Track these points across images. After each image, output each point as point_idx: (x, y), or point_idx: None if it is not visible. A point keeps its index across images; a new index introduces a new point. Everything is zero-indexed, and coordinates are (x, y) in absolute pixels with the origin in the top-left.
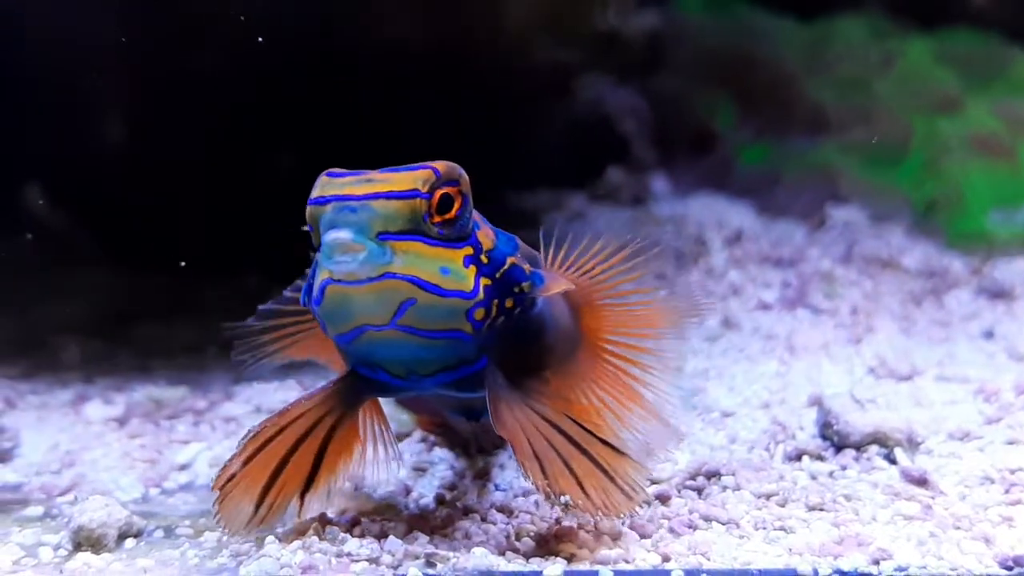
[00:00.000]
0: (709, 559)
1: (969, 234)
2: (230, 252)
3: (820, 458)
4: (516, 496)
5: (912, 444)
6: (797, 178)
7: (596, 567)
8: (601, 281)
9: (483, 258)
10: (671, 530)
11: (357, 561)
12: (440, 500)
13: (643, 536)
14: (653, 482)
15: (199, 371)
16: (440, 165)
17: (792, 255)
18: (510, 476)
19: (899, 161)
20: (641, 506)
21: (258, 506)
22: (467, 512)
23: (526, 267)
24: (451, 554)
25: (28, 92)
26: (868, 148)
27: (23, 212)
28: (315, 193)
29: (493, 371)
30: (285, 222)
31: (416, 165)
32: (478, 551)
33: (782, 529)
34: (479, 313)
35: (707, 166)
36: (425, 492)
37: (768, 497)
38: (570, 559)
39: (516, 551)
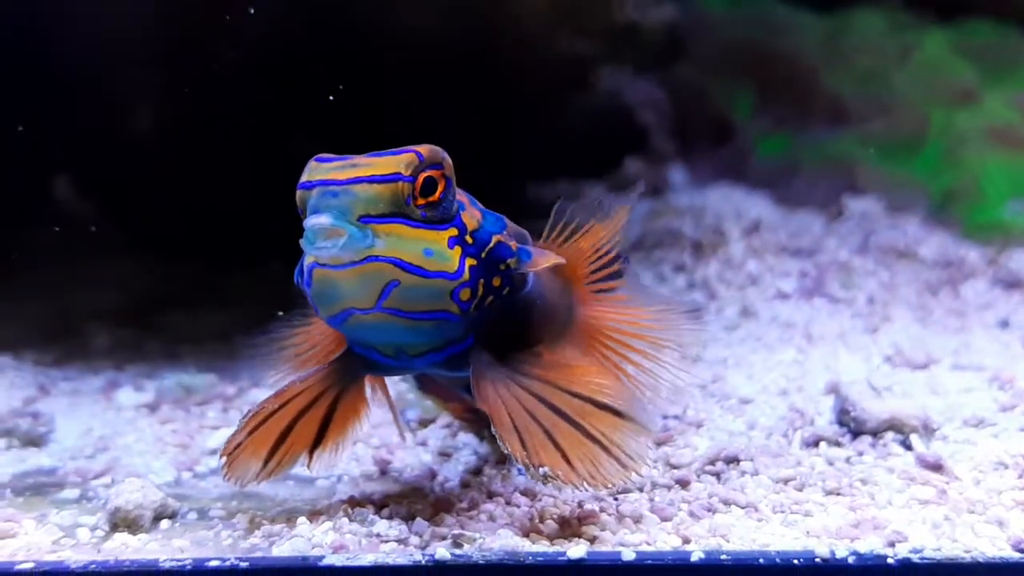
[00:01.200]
0: (729, 541)
1: (985, 225)
2: (255, 240)
3: (837, 444)
4: (538, 480)
5: (927, 431)
6: (814, 169)
7: (619, 548)
8: (589, 255)
9: (468, 239)
10: (691, 513)
11: (386, 541)
12: (465, 484)
13: (664, 519)
14: (673, 467)
15: (227, 358)
16: (423, 149)
17: (810, 245)
18: None
19: (916, 152)
20: (638, 475)
21: (266, 463)
22: (491, 495)
23: (512, 244)
24: (477, 535)
25: (58, 85)
26: (885, 139)
27: (53, 203)
28: (303, 178)
29: (478, 350)
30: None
31: (400, 149)
32: (503, 533)
33: (800, 513)
34: (465, 293)
35: (725, 157)
36: (450, 476)
37: (786, 482)
38: (592, 541)
39: (540, 533)
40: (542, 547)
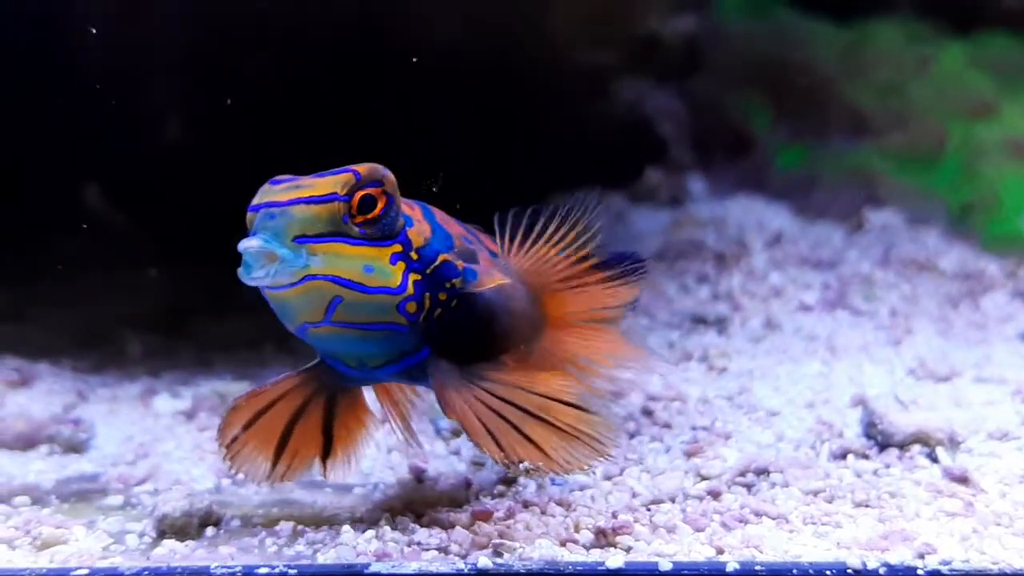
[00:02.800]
0: (762, 552)
1: (1004, 237)
2: None
3: (865, 456)
4: (572, 490)
5: (953, 444)
6: (833, 181)
7: (655, 558)
8: (556, 263)
9: (413, 255)
10: (723, 524)
11: (427, 550)
12: (500, 494)
13: (697, 530)
14: (704, 477)
15: (259, 366)
16: (362, 168)
17: (831, 257)
18: None
19: (935, 165)
20: (610, 455)
21: (275, 463)
22: (526, 505)
23: (459, 264)
24: (517, 544)
25: (88, 95)
26: (904, 151)
27: (84, 211)
28: (254, 200)
29: (436, 359)
30: None
31: (340, 169)
32: (541, 542)
33: (830, 524)
34: (411, 307)
35: (744, 168)
36: (485, 486)
37: (816, 494)
38: (627, 551)
39: (576, 543)
40: (579, 557)
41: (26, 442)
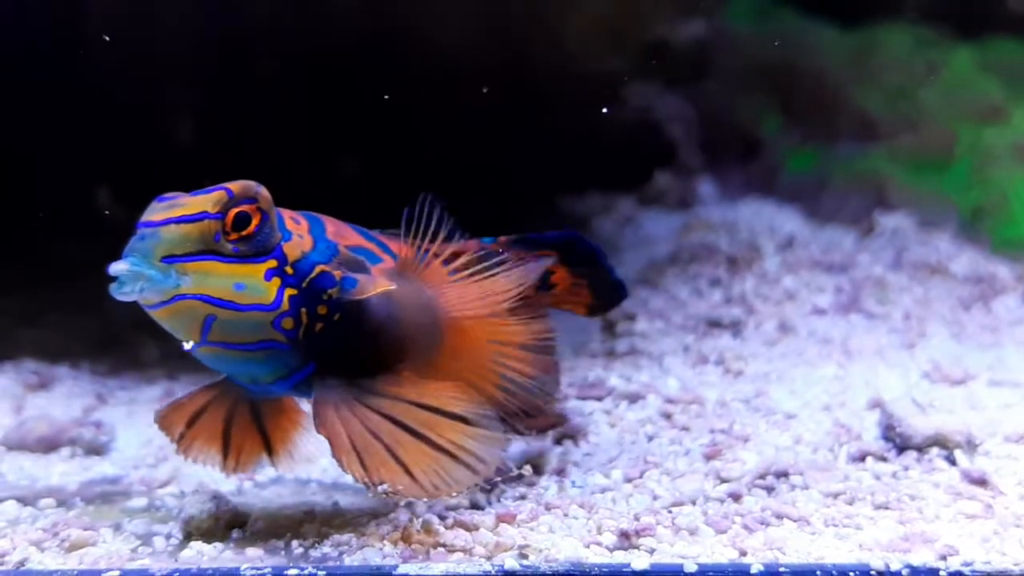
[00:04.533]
0: (785, 553)
1: (1014, 240)
2: None
3: (883, 459)
4: (593, 493)
5: (971, 446)
6: (843, 184)
7: (681, 560)
8: (454, 268)
9: (288, 269)
10: (745, 526)
11: (453, 551)
12: (522, 496)
13: (719, 532)
14: (723, 480)
15: None
16: (235, 185)
17: (843, 261)
18: (585, 473)
19: (945, 169)
20: (488, 479)
21: (225, 457)
22: (548, 507)
23: (337, 273)
24: (542, 546)
25: (102, 98)
26: (913, 155)
27: (97, 213)
28: (141, 218)
29: (320, 374)
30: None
31: (213, 187)
32: (565, 544)
33: (851, 526)
34: (287, 323)
35: (753, 172)
36: (506, 488)
37: (836, 496)
38: (651, 553)
39: (599, 545)
40: (604, 558)
41: (48, 445)
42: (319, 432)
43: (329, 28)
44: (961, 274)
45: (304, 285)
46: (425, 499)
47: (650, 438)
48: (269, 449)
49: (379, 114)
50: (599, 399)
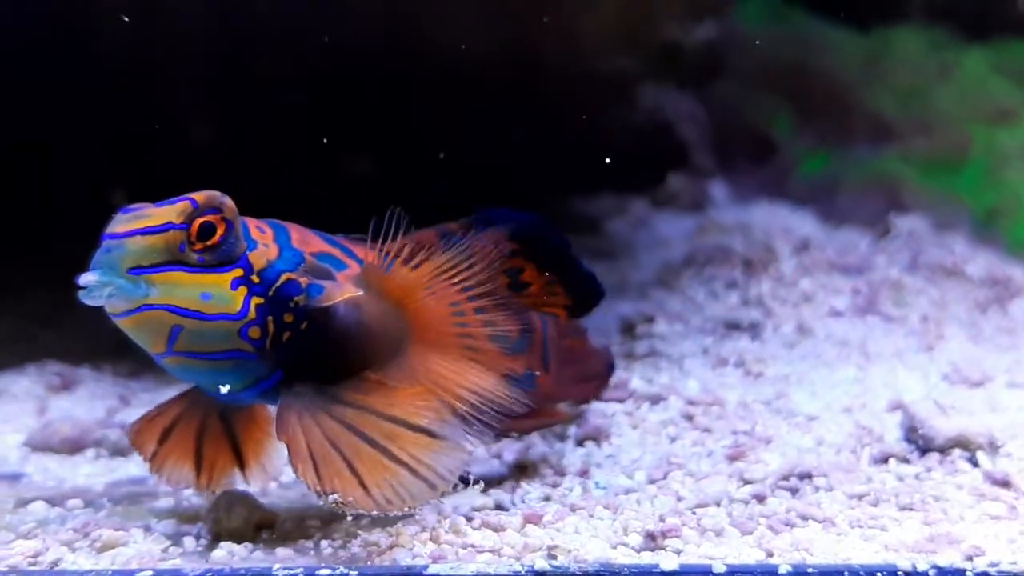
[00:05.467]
0: (812, 554)
1: None
2: None
3: (906, 461)
4: (617, 494)
5: (993, 448)
6: (857, 186)
7: (710, 561)
8: (423, 272)
9: (254, 278)
10: (770, 528)
11: (481, 552)
12: (546, 497)
13: (745, 533)
14: (747, 482)
15: None
16: (199, 196)
17: (858, 263)
18: (609, 475)
19: (958, 170)
20: (445, 494)
21: (198, 475)
22: (574, 509)
23: (303, 281)
24: (570, 547)
25: (118, 99)
26: (927, 157)
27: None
28: (105, 230)
29: (287, 382)
30: (359, 224)
31: (177, 198)
32: (593, 544)
33: (876, 528)
34: (254, 332)
35: (766, 173)
36: (530, 489)
37: (860, 497)
38: (677, 554)
39: (626, 545)
40: (632, 559)
41: (73, 446)
42: (279, 438)
43: (342, 28)
44: (977, 276)
45: (270, 294)
46: (376, 512)
47: (672, 440)
48: (241, 463)
49: (390, 115)
50: (621, 401)
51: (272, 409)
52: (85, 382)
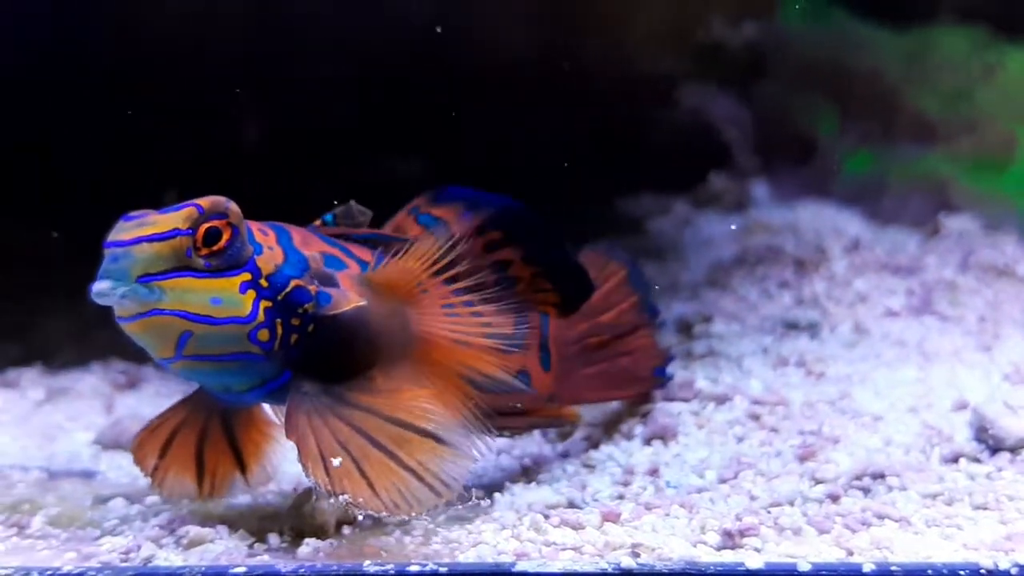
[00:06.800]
0: (892, 553)
1: None
2: None
3: (976, 460)
4: (690, 493)
5: None
6: (903, 186)
7: (793, 560)
8: (427, 276)
9: (262, 282)
10: (847, 527)
11: (563, 550)
12: (619, 496)
13: (822, 532)
14: (819, 481)
15: None
16: (205, 201)
17: (909, 263)
18: (679, 474)
19: (1004, 170)
20: (452, 502)
21: (200, 484)
22: (649, 507)
23: (312, 288)
24: (653, 545)
25: (164, 99)
26: (973, 157)
27: None
28: (108, 237)
29: (296, 382)
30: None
31: (182, 204)
32: (675, 543)
33: (953, 527)
34: (263, 334)
35: (809, 173)
36: (600, 488)
37: (934, 497)
38: (758, 552)
39: (705, 544)
40: (714, 557)
41: None
42: (288, 438)
43: (387, 32)
44: None
45: (279, 298)
46: (384, 513)
47: (739, 439)
48: (242, 467)
49: (434, 117)
50: (686, 400)
51: (270, 410)
52: (150, 380)
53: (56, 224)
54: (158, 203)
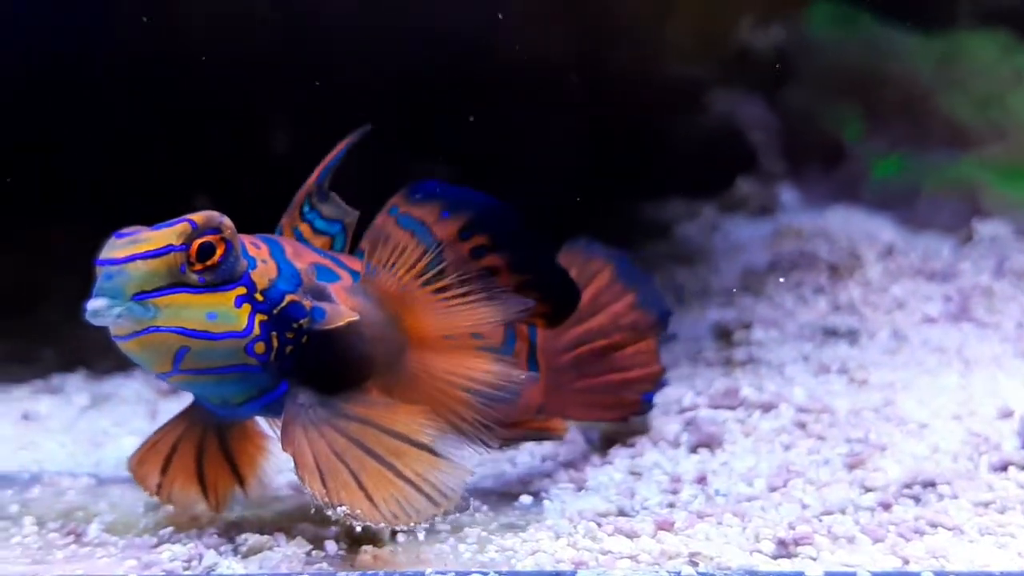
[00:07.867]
0: (949, 561)
1: None
2: None
3: None
4: (739, 501)
5: None
6: (934, 192)
7: (852, 568)
8: (417, 284)
9: (258, 296)
10: (900, 535)
11: (620, 558)
12: (670, 504)
13: (876, 540)
14: (869, 489)
15: None
16: (198, 217)
17: (944, 269)
18: (727, 482)
19: None
20: (449, 511)
21: (206, 497)
22: (701, 516)
23: (306, 303)
24: (710, 553)
25: (200, 107)
26: (1006, 162)
27: None
28: (100, 255)
29: (292, 394)
30: None
31: (175, 220)
32: (731, 551)
33: (1007, 535)
34: (259, 347)
35: (838, 178)
36: (649, 496)
37: (986, 505)
38: (813, 560)
39: (760, 552)
40: (771, 565)
41: None
42: (285, 450)
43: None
44: None
45: (275, 312)
46: (383, 525)
47: (787, 448)
48: (240, 480)
49: (463, 120)
50: (732, 408)
51: (263, 423)
52: None
53: (99, 228)
54: (190, 208)
